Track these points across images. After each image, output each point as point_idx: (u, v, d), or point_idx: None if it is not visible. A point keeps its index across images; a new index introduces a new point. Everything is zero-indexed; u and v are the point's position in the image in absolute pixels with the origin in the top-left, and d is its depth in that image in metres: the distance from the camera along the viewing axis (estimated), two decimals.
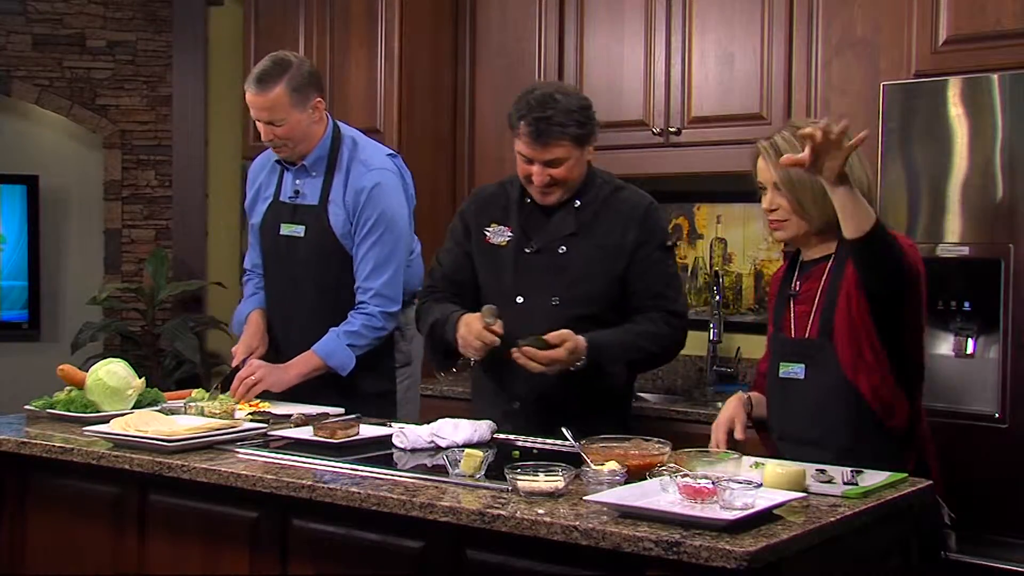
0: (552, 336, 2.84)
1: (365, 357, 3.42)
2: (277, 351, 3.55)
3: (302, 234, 3.46)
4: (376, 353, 3.46)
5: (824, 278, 2.70)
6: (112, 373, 3.14)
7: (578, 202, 3.07)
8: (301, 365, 3.40)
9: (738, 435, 2.71)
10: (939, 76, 3.42)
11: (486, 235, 3.14)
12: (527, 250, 3.07)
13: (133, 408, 3.12)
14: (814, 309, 2.70)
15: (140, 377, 3.22)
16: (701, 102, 4.22)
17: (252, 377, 3.35)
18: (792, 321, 2.76)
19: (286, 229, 3.49)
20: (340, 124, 3.57)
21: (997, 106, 3.27)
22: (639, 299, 3.04)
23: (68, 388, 3.23)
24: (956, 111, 3.35)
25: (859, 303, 2.59)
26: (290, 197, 3.50)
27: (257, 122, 3.42)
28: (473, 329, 2.92)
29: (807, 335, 2.70)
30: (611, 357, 2.94)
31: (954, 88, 3.35)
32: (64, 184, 5.99)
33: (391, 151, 3.60)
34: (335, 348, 3.38)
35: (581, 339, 2.87)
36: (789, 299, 2.78)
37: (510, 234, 3.10)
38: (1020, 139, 3.23)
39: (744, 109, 4.10)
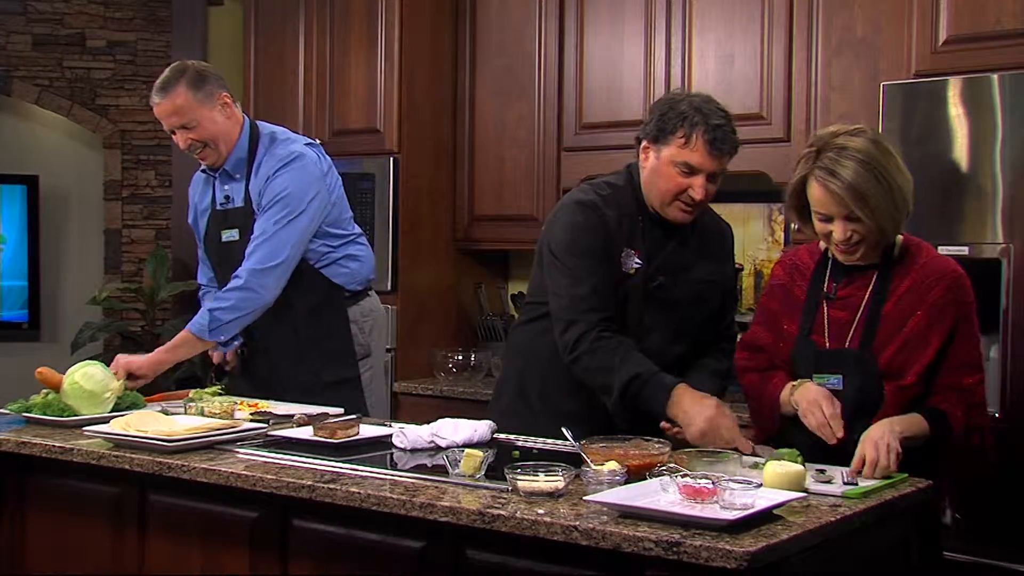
0: None
1: (322, 349, 3.48)
2: (243, 357, 3.60)
3: (237, 237, 3.50)
4: (332, 343, 3.51)
5: (870, 288, 2.61)
6: (88, 376, 3.05)
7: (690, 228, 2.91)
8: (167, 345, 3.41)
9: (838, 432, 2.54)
10: (939, 76, 3.43)
11: (620, 260, 2.85)
12: (652, 283, 2.85)
13: (112, 412, 3.03)
14: (857, 318, 2.60)
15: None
16: None
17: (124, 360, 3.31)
18: (827, 327, 2.64)
19: (225, 235, 3.54)
20: (259, 123, 3.61)
21: (997, 106, 3.27)
22: (715, 328, 2.97)
23: (45, 391, 3.12)
24: (956, 111, 3.35)
25: (928, 347, 2.55)
26: (221, 204, 3.56)
27: (172, 134, 3.45)
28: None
29: (847, 345, 2.60)
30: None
31: (954, 88, 3.35)
32: (64, 184, 5.99)
33: (310, 140, 3.62)
34: (198, 317, 3.38)
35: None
36: (822, 302, 2.66)
37: (639, 261, 2.84)
38: (1020, 139, 3.23)
39: (744, 109, 4.09)
